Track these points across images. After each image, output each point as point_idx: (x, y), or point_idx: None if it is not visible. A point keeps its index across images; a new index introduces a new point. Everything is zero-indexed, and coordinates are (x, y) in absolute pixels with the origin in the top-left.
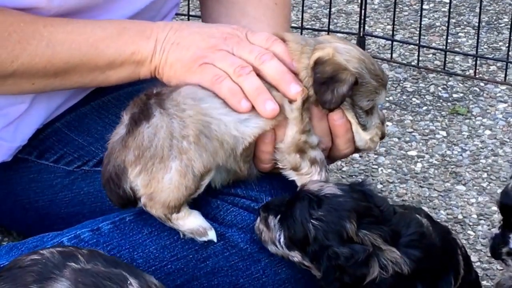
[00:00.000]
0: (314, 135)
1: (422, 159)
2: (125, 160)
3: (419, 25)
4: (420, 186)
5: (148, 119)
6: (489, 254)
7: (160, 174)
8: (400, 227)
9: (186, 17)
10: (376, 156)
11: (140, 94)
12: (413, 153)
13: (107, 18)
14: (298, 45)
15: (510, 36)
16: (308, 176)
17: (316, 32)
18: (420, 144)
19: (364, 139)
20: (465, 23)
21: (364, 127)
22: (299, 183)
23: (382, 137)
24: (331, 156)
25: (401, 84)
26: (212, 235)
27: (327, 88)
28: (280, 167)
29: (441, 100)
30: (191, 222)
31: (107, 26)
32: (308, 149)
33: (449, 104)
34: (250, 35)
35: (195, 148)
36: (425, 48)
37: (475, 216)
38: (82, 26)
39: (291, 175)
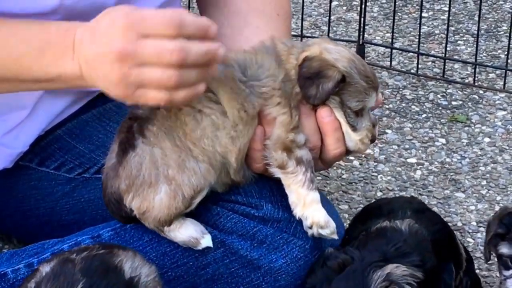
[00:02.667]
0: (302, 134)
1: (421, 166)
2: (119, 188)
3: (418, 33)
4: (420, 194)
5: (133, 148)
6: (489, 262)
7: (151, 195)
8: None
9: None
10: (375, 163)
11: (127, 116)
12: (412, 160)
13: None
14: (285, 46)
15: (509, 44)
16: (293, 175)
17: None
18: (420, 151)
19: (354, 140)
20: (464, 31)
21: (354, 128)
22: (284, 182)
23: (373, 139)
24: (322, 157)
25: (400, 92)
26: (206, 243)
27: (312, 83)
28: (268, 163)
29: (440, 108)
30: (182, 234)
31: (30, 38)
32: (294, 148)
33: (448, 111)
34: (144, 25)
35: (182, 175)
36: (424, 56)
37: (474, 223)
38: (5, 37)
39: (277, 173)
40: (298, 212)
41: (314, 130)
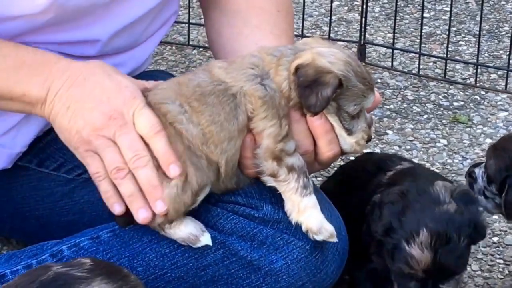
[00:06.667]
0: (292, 141)
1: None
2: None
3: (419, 34)
4: None
5: None
6: (490, 263)
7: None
8: None
9: (187, 25)
10: None
11: None
12: (414, 161)
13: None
14: (272, 57)
15: (511, 44)
16: (285, 183)
17: None
18: (421, 152)
19: (349, 142)
20: (465, 31)
21: (349, 131)
22: (279, 189)
23: (369, 140)
24: (317, 159)
25: (401, 93)
26: (205, 240)
27: (311, 91)
28: (260, 172)
29: (441, 109)
30: (181, 231)
31: (10, 54)
32: (284, 156)
33: (449, 112)
34: (137, 116)
35: (189, 168)
36: (425, 57)
37: None
38: None
39: (270, 181)
40: (293, 218)
41: (305, 134)
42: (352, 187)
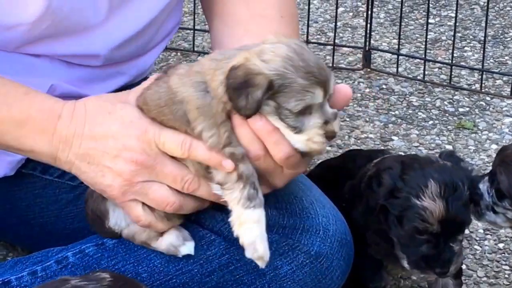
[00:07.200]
0: (239, 147)
1: None
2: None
3: (425, 39)
4: None
5: None
6: (496, 270)
7: None
8: None
9: (192, 31)
10: None
11: None
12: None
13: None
14: (213, 61)
15: None
16: (229, 192)
17: (321, 46)
18: None
19: (300, 141)
20: (471, 37)
21: (297, 129)
22: (224, 198)
23: (330, 136)
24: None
25: (407, 98)
26: (185, 250)
27: (240, 94)
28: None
29: (447, 115)
30: (162, 244)
31: (15, 104)
32: (235, 162)
33: (455, 118)
34: (161, 145)
35: None
36: (431, 62)
37: (481, 231)
38: None
39: (217, 189)
40: (234, 231)
41: (250, 138)
42: (339, 178)
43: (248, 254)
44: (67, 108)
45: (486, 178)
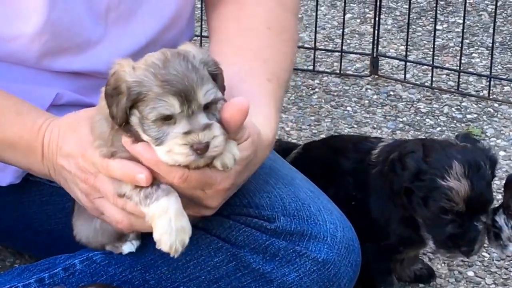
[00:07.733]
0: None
1: None
2: None
3: (432, 46)
4: None
5: None
6: (504, 277)
7: None
8: None
9: (199, 37)
10: None
11: None
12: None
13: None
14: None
15: None
16: (129, 200)
17: (329, 53)
18: None
19: (162, 152)
20: (478, 43)
21: (158, 141)
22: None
23: (195, 147)
24: None
25: (414, 105)
26: (127, 249)
27: (113, 101)
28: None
29: (455, 121)
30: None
31: (8, 126)
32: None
33: (463, 125)
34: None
35: None
36: (438, 69)
37: None
38: None
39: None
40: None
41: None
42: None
43: (162, 247)
44: (50, 126)
45: (501, 210)
